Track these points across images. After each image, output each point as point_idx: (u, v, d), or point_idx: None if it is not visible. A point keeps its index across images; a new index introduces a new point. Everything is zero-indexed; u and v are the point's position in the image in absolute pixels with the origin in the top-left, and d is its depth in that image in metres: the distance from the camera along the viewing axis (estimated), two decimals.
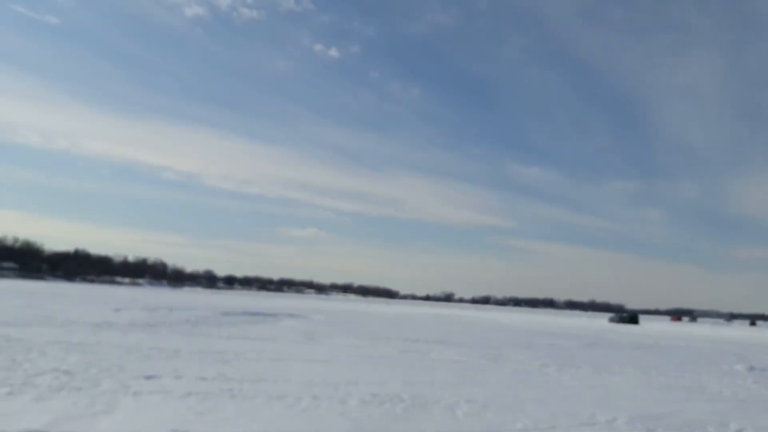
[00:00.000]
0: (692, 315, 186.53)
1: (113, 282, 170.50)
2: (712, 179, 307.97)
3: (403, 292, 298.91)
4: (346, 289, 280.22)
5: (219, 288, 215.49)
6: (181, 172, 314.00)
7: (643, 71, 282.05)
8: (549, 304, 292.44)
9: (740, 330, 73.11)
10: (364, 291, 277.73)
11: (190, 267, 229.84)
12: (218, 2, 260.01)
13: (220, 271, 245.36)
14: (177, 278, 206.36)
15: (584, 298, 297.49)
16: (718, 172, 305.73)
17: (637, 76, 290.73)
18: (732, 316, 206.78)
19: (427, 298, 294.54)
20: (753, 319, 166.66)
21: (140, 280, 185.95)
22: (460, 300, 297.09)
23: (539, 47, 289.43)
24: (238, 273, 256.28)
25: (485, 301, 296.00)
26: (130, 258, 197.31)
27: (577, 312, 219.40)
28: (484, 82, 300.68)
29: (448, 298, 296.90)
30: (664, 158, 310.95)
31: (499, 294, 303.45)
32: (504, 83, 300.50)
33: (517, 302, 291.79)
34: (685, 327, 74.94)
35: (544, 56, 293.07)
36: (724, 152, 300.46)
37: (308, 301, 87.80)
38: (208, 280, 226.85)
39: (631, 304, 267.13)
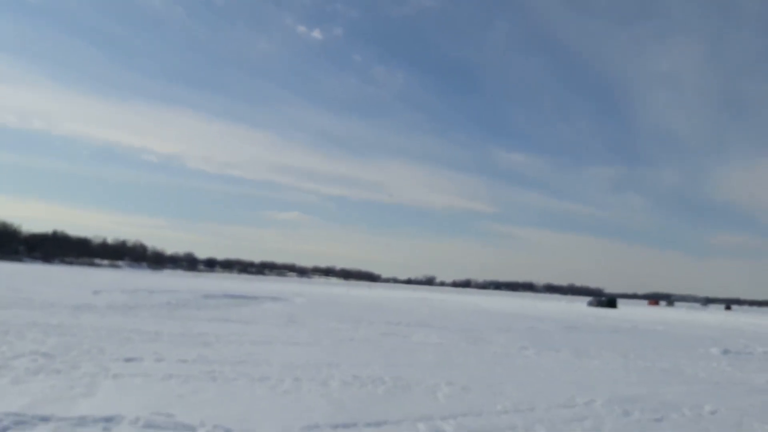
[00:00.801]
0: (669, 299, 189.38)
1: (92, 264, 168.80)
2: (692, 166, 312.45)
3: (385, 275, 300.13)
4: (329, 272, 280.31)
5: (200, 270, 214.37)
6: (161, 153, 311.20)
7: (626, 58, 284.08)
8: (529, 287, 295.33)
9: (716, 314, 74.46)
10: (347, 274, 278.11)
11: (170, 249, 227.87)
12: None
13: (201, 254, 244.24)
14: (157, 261, 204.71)
15: (564, 282, 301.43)
16: (699, 159, 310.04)
17: (619, 63, 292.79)
18: (708, 301, 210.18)
19: (409, 281, 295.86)
20: (728, 303, 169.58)
21: (120, 263, 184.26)
22: (442, 284, 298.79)
23: (523, 33, 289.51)
24: (220, 256, 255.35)
25: (466, 284, 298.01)
26: (110, 240, 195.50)
27: (556, 296, 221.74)
28: (469, 67, 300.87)
29: (429, 282, 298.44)
30: (645, 145, 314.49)
31: (480, 278, 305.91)
32: (488, 68, 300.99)
33: (497, 286, 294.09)
34: (662, 311, 76.14)
35: (528, 42, 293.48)
36: (705, 139, 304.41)
37: (290, 285, 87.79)
38: (188, 263, 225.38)
39: (610, 289, 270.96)
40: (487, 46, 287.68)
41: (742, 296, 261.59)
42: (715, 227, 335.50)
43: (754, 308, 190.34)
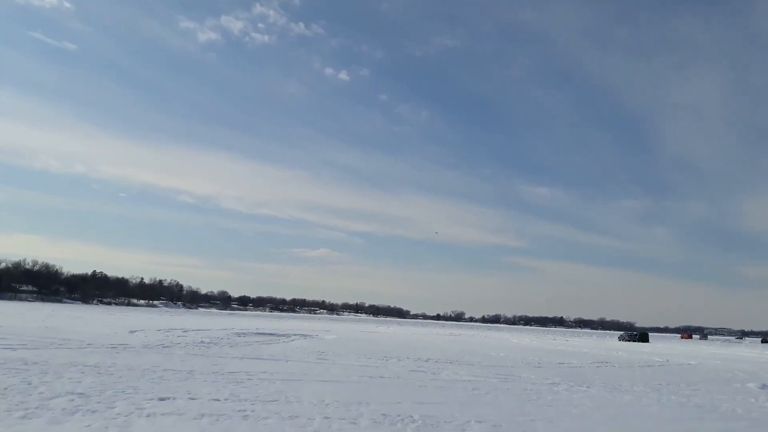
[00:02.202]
0: (703, 333, 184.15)
1: (129, 304, 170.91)
2: (718, 197, 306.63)
3: (413, 311, 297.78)
4: (358, 308, 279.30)
5: (233, 308, 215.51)
6: (196, 195, 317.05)
7: (649, 90, 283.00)
8: (559, 322, 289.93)
9: (752, 348, 72.01)
10: (376, 311, 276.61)
11: (205, 288, 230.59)
12: (231, 28, 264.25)
13: (235, 292, 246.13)
14: (192, 299, 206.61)
15: (594, 316, 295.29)
16: (725, 189, 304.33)
17: (642, 95, 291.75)
18: (743, 334, 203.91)
19: (438, 317, 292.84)
20: (765, 336, 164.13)
21: (156, 302, 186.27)
22: (471, 319, 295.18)
23: (545, 67, 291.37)
24: (252, 293, 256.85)
25: (496, 320, 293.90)
26: (147, 280, 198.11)
27: (587, 330, 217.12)
28: (491, 102, 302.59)
29: (458, 318, 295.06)
30: (670, 176, 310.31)
31: (510, 313, 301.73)
32: (511, 104, 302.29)
33: (527, 321, 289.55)
34: (695, 345, 73.92)
35: (550, 76, 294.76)
36: (730, 169, 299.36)
37: (320, 322, 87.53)
38: (222, 301, 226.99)
39: (641, 323, 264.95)
40: (509, 82, 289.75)
41: None
42: (747, 258, 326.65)
43: None
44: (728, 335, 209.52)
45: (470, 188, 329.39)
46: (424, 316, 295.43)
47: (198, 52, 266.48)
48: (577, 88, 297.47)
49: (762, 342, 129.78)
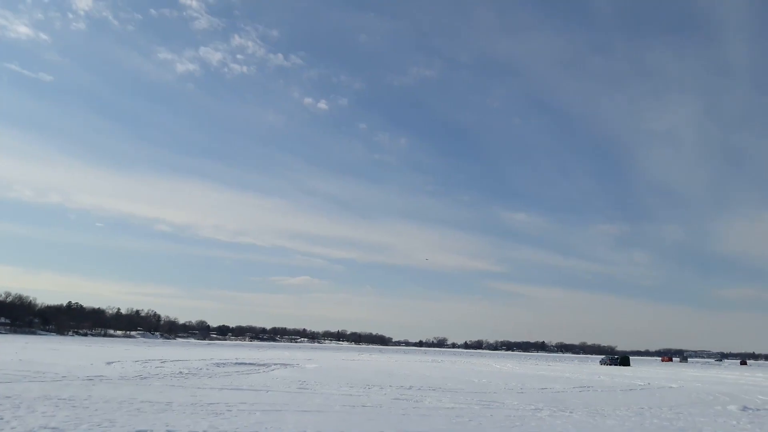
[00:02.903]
0: (682, 355, 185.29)
1: (106, 335, 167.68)
2: (695, 220, 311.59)
3: (396, 338, 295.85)
4: (339, 336, 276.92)
5: (212, 338, 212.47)
6: (173, 224, 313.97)
7: (623, 117, 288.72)
8: (541, 347, 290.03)
9: (731, 370, 72.57)
10: (357, 338, 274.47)
11: (183, 318, 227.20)
12: (209, 58, 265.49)
13: (214, 322, 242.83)
14: (170, 330, 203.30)
15: (575, 340, 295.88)
16: (701, 213, 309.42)
17: (617, 122, 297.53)
18: (722, 356, 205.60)
19: (420, 343, 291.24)
20: (743, 358, 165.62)
21: (133, 333, 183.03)
22: (453, 345, 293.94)
23: (522, 96, 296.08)
24: (232, 323, 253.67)
25: (478, 345, 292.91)
26: (123, 310, 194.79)
27: (568, 355, 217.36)
28: (470, 130, 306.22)
29: (441, 344, 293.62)
30: (647, 201, 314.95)
31: (492, 338, 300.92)
32: (489, 132, 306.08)
33: (509, 346, 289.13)
34: (676, 368, 74.30)
35: (526, 105, 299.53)
36: (706, 194, 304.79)
37: (301, 350, 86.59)
38: (201, 331, 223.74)
39: (622, 346, 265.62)
40: (487, 111, 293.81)
41: (758, 350, 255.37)
42: (724, 281, 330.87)
43: None
44: (707, 357, 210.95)
45: (451, 215, 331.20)
46: (407, 343, 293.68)
47: (176, 82, 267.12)
48: (554, 117, 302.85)
49: (741, 364, 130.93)
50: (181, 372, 25.73)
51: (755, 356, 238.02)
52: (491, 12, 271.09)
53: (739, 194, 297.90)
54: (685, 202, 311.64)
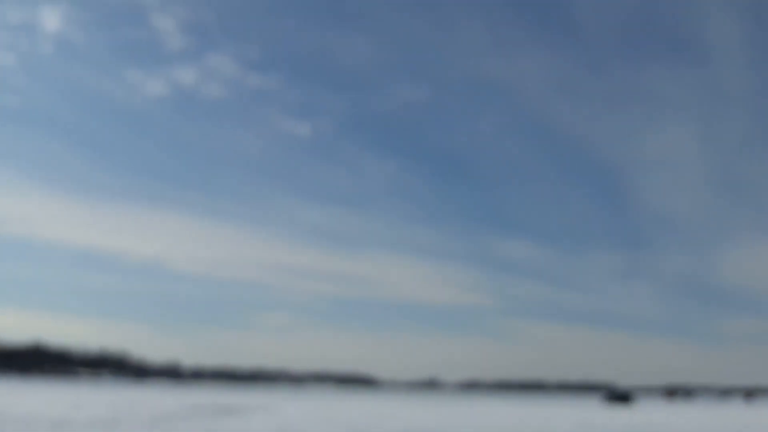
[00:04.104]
0: (686, 391, 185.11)
1: (72, 376, 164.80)
2: (697, 250, 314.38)
3: (384, 376, 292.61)
4: (322, 377, 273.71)
5: (185, 379, 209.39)
6: (144, 256, 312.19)
7: (620, 140, 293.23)
8: (539, 385, 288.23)
9: (736, 407, 72.68)
10: (342, 379, 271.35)
11: (154, 357, 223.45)
12: (181, 80, 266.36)
13: (188, 361, 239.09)
14: (140, 370, 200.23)
15: (575, 377, 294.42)
16: (703, 242, 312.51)
17: (614, 146, 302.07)
18: (726, 391, 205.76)
19: (410, 384, 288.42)
20: (748, 392, 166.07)
21: (101, 374, 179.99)
22: (446, 384, 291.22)
23: (516, 120, 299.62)
24: (207, 362, 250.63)
25: (473, 384, 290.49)
26: (91, 350, 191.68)
27: (568, 394, 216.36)
28: (461, 156, 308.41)
29: (432, 383, 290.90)
30: (647, 229, 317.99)
31: (487, 376, 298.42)
32: (482, 157, 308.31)
33: (505, 385, 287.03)
34: (681, 408, 74.24)
35: (521, 129, 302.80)
36: (707, 222, 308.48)
37: (280, 393, 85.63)
38: (174, 372, 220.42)
39: (624, 382, 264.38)
40: (479, 135, 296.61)
41: (763, 383, 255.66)
42: (727, 313, 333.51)
43: None
44: (711, 392, 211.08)
45: (442, 245, 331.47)
46: (396, 383, 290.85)
47: (146, 105, 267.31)
48: (550, 141, 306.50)
49: (745, 396, 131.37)
50: (152, 416, 25.37)
51: (761, 390, 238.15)
52: (482, 30, 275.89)
53: (739, 221, 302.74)
54: (686, 231, 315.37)
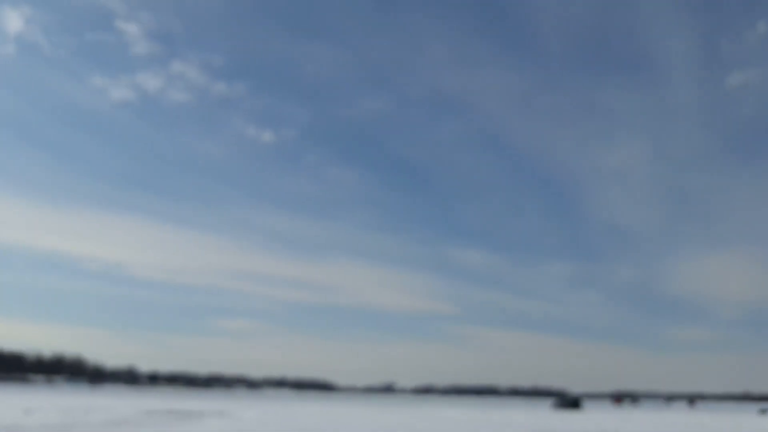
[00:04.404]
0: (633, 397, 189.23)
1: (25, 380, 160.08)
2: (646, 261, 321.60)
3: (342, 383, 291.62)
4: (281, 383, 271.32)
5: (143, 385, 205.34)
6: (103, 261, 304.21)
7: (574, 155, 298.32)
8: (492, 391, 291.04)
9: (680, 412, 74.71)
10: (300, 384, 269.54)
11: (112, 362, 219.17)
12: (146, 86, 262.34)
13: (145, 367, 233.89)
14: (97, 375, 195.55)
15: (527, 383, 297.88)
16: (652, 253, 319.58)
17: (568, 160, 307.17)
18: (671, 397, 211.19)
19: (368, 389, 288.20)
20: (691, 398, 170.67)
21: (56, 378, 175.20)
22: (402, 389, 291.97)
23: (473, 133, 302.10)
24: (164, 368, 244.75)
25: (428, 389, 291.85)
26: (46, 354, 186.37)
27: (520, 399, 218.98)
28: (422, 166, 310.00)
29: (389, 388, 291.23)
30: (598, 240, 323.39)
31: (442, 382, 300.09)
32: (441, 168, 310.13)
33: (460, 390, 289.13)
34: (627, 411, 75.88)
35: (478, 142, 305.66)
36: (656, 234, 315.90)
37: (239, 398, 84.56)
38: (131, 377, 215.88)
39: (574, 388, 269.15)
40: (438, 146, 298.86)
41: (705, 390, 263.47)
42: (673, 321, 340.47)
43: (718, 402, 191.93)
44: (657, 398, 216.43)
45: (402, 253, 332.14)
46: (353, 389, 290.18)
47: (110, 110, 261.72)
48: (507, 154, 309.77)
49: (689, 404, 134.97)
50: (107, 421, 24.94)
51: (702, 396, 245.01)
52: (443, 47, 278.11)
53: (686, 234, 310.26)
54: (635, 242, 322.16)
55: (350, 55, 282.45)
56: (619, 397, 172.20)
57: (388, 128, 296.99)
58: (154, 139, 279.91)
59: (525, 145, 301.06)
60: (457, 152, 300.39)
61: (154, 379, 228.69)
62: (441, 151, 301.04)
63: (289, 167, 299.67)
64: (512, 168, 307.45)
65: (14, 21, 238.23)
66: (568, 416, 50.96)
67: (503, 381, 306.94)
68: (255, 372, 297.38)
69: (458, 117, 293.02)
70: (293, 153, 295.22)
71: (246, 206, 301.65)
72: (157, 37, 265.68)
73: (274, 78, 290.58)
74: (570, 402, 78.74)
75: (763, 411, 77.95)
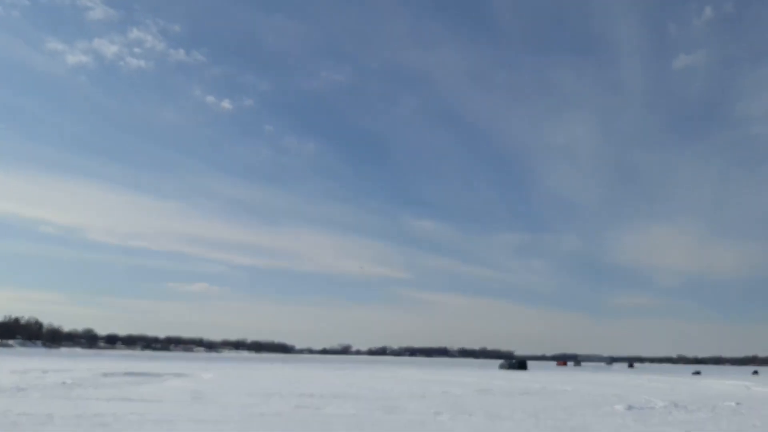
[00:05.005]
0: (576, 359, 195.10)
1: None
2: (589, 232, 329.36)
3: (299, 346, 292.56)
4: (239, 345, 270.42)
5: (100, 348, 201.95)
6: (60, 225, 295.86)
7: (526, 131, 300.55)
8: (443, 352, 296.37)
9: (619, 373, 77.24)
10: (258, 347, 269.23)
11: (69, 326, 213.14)
12: (103, 51, 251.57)
13: (102, 330, 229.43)
14: (53, 338, 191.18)
15: (476, 345, 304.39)
16: (595, 225, 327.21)
17: (520, 136, 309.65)
18: (612, 360, 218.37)
19: (324, 351, 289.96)
20: (631, 361, 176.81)
21: (11, 341, 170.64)
22: (357, 352, 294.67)
23: (431, 107, 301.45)
24: (122, 331, 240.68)
25: (382, 352, 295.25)
26: (0, 317, 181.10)
27: (469, 360, 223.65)
28: (379, 138, 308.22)
29: (345, 351, 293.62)
30: (546, 212, 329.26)
31: (396, 344, 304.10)
32: (397, 140, 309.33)
33: (412, 352, 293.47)
34: (570, 372, 78.17)
35: (435, 115, 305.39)
36: (601, 206, 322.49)
37: (197, 360, 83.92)
38: (88, 340, 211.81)
39: (520, 351, 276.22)
40: (396, 119, 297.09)
41: (644, 354, 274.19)
42: (616, 289, 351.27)
43: (656, 365, 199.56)
44: (599, 361, 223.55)
45: (358, 221, 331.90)
46: (310, 351, 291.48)
47: (67, 74, 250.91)
48: (461, 128, 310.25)
49: (629, 366, 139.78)
50: (64, 383, 24.28)
51: (641, 359, 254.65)
52: (403, 22, 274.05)
53: (630, 208, 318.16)
54: (581, 214, 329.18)
55: (310, 26, 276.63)
56: (563, 360, 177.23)
57: (346, 100, 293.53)
58: (111, 106, 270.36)
59: (480, 120, 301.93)
60: (414, 125, 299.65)
61: (112, 342, 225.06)
62: (398, 124, 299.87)
63: (248, 136, 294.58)
64: (467, 142, 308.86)
65: None
66: (515, 376, 52.12)
67: (454, 344, 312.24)
68: (213, 335, 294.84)
69: (416, 91, 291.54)
70: (252, 122, 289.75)
71: (204, 174, 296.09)
72: (115, 3, 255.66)
73: (233, 47, 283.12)
74: (517, 363, 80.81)
75: (696, 373, 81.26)
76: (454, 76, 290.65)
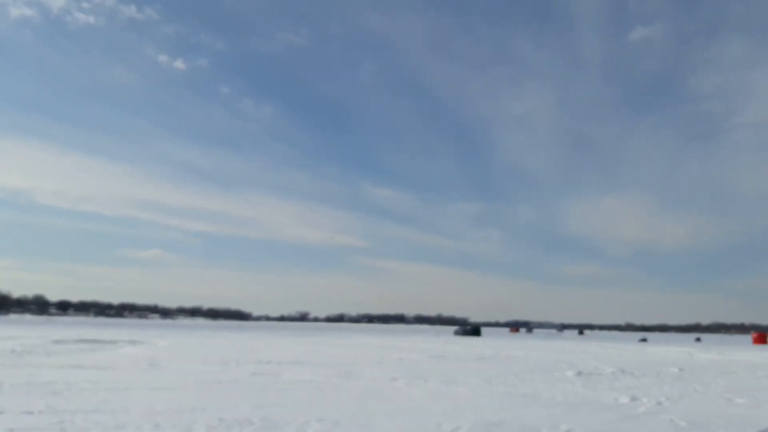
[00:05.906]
0: (528, 326, 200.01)
1: None
2: (545, 202, 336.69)
3: (256, 313, 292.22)
4: (195, 312, 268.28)
5: (51, 314, 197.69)
6: (6, 188, 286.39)
7: (484, 101, 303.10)
8: (400, 319, 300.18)
9: (570, 340, 79.55)
10: (215, 314, 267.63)
11: (17, 292, 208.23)
12: (49, 4, 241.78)
13: (53, 296, 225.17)
14: (2, 304, 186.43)
15: (432, 312, 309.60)
16: (550, 195, 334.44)
17: (478, 105, 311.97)
18: (563, 327, 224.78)
19: (282, 318, 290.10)
20: (581, 328, 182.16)
21: None
22: (315, 319, 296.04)
23: (390, 74, 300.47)
24: (74, 298, 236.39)
25: (339, 319, 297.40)
26: None
27: (425, 326, 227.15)
28: (338, 104, 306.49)
29: (303, 318, 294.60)
30: (502, 182, 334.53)
31: (353, 311, 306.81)
32: (357, 106, 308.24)
33: (369, 319, 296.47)
34: (522, 338, 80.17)
35: (395, 82, 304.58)
36: (556, 178, 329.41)
37: (152, 328, 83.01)
38: (38, 306, 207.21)
39: (475, 318, 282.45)
40: (356, 85, 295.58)
41: (594, 321, 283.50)
42: (568, 258, 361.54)
43: (604, 332, 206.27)
44: (550, 328, 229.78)
45: (317, 189, 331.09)
46: (267, 318, 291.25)
47: (9, 29, 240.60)
48: (421, 96, 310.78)
49: (579, 333, 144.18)
50: (13, 350, 23.74)
51: (591, 327, 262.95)
52: None
53: (584, 179, 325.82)
54: (537, 185, 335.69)
55: None
56: (515, 326, 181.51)
57: (305, 64, 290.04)
58: (58, 63, 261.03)
59: (439, 89, 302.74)
60: (374, 91, 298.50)
61: (64, 308, 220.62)
62: (358, 90, 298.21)
63: (203, 98, 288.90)
64: (426, 110, 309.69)
65: None
66: (469, 342, 53.20)
67: (410, 310, 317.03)
68: (168, 302, 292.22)
69: (376, 57, 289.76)
70: (207, 84, 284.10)
71: (157, 136, 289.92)
72: None
73: (187, 4, 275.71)
74: (471, 330, 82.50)
75: (643, 340, 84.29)
76: (415, 43, 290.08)
